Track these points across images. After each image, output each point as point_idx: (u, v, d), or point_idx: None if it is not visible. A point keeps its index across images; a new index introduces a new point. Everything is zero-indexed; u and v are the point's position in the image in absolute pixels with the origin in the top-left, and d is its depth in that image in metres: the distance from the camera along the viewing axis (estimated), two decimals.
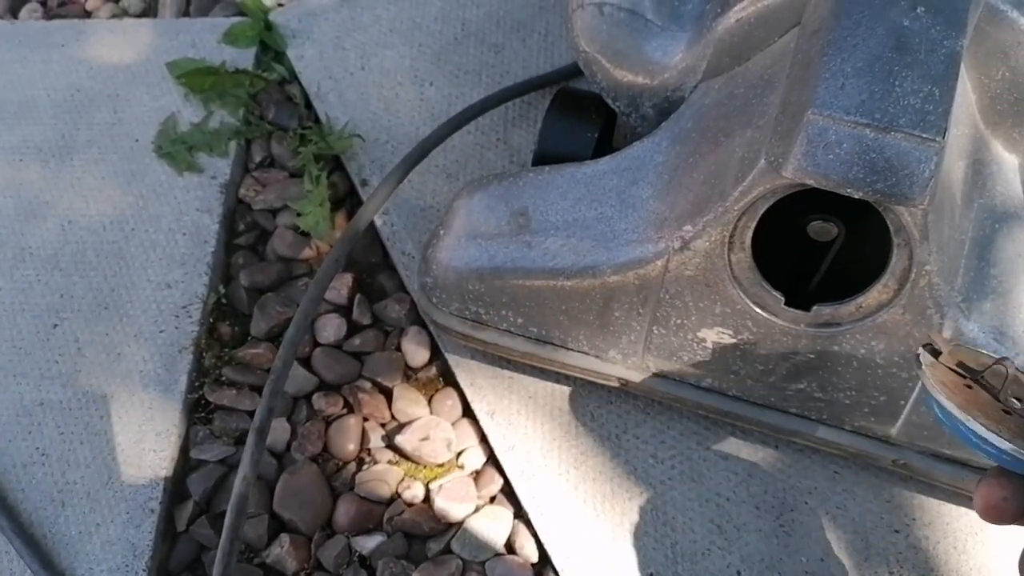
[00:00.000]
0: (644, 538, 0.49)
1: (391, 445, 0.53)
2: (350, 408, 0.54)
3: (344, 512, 0.51)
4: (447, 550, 0.50)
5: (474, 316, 0.49)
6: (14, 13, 0.71)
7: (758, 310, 0.42)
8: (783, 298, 0.42)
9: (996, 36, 0.41)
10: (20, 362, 0.54)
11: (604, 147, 0.53)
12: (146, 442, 0.52)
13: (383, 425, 0.54)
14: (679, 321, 0.45)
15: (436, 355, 0.55)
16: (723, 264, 0.41)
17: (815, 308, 0.42)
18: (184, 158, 0.61)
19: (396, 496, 0.51)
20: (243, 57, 0.65)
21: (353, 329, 0.57)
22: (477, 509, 0.51)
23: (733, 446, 0.51)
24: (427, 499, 0.51)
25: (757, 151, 0.39)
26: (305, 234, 0.59)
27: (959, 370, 0.31)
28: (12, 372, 0.54)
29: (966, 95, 0.43)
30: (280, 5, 0.68)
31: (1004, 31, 0.41)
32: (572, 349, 0.49)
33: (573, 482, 0.50)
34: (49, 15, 0.71)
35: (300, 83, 0.64)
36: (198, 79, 0.62)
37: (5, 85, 0.64)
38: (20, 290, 0.57)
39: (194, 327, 0.56)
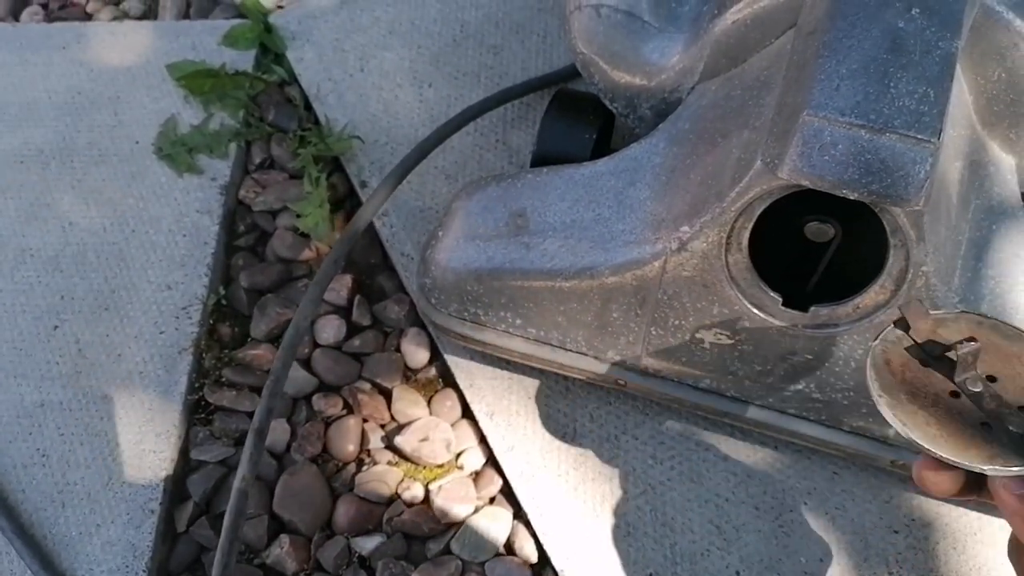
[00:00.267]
0: (643, 539, 0.49)
1: (391, 446, 0.53)
2: (350, 409, 0.54)
3: (344, 513, 0.51)
4: (447, 551, 0.50)
5: (473, 317, 0.49)
6: (15, 15, 0.72)
7: (756, 311, 0.42)
8: (781, 299, 0.42)
9: (992, 37, 0.41)
10: (21, 363, 0.55)
11: (603, 148, 0.53)
12: (146, 443, 0.52)
13: (383, 426, 0.54)
14: (677, 322, 0.45)
15: (435, 356, 0.56)
16: (720, 265, 0.42)
17: (813, 309, 0.42)
18: (184, 160, 0.61)
19: (396, 497, 0.52)
20: (243, 59, 0.65)
21: (353, 330, 0.57)
22: (476, 510, 0.51)
23: (732, 447, 0.51)
24: (427, 500, 0.51)
25: (754, 152, 0.39)
26: (305, 235, 0.60)
27: (925, 346, 0.32)
28: (13, 373, 0.54)
29: (962, 96, 0.43)
30: (280, 7, 0.68)
31: (1000, 32, 0.41)
32: (570, 350, 0.49)
33: (572, 483, 0.50)
34: (50, 17, 0.71)
35: (300, 85, 0.64)
36: (198, 81, 0.63)
37: (6, 87, 0.64)
38: (21, 291, 0.57)
39: (194, 328, 0.56)
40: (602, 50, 0.49)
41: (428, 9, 0.67)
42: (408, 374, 0.55)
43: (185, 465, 0.53)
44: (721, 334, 0.44)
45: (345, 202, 0.62)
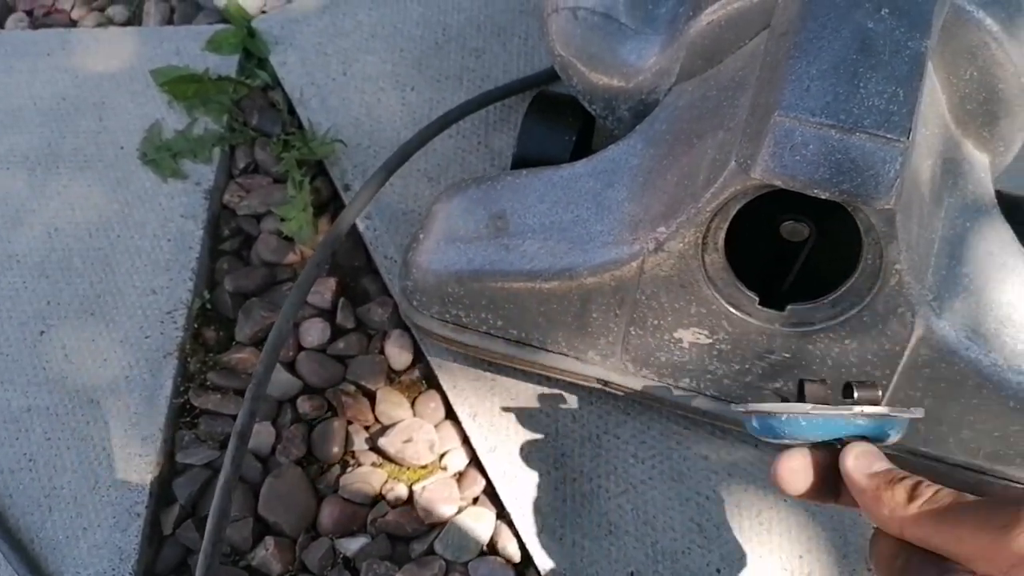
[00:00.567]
0: (625, 537, 0.49)
1: (375, 447, 0.53)
2: (334, 411, 0.55)
3: (328, 514, 0.51)
4: (430, 551, 0.50)
5: (454, 319, 0.49)
6: (0, 23, 0.72)
7: (733, 310, 0.43)
8: (757, 298, 0.42)
9: (963, 36, 0.42)
10: (7, 368, 0.55)
11: (584, 150, 0.54)
12: (132, 447, 0.52)
13: (367, 428, 0.54)
14: (656, 322, 0.45)
15: (419, 358, 0.56)
16: (697, 265, 0.42)
17: (789, 308, 0.42)
18: (168, 165, 0.61)
19: (380, 498, 0.52)
20: (226, 64, 0.65)
21: (337, 333, 0.57)
22: (460, 510, 0.51)
23: (712, 445, 0.51)
24: (410, 500, 0.52)
25: (728, 153, 0.39)
26: (289, 239, 0.60)
27: None
28: None
29: (935, 95, 0.43)
30: (263, 12, 0.69)
31: (971, 31, 0.41)
32: (551, 350, 0.49)
33: (554, 482, 0.51)
34: (35, 24, 0.72)
35: (283, 89, 0.64)
36: (182, 86, 0.63)
37: None
38: (7, 297, 0.57)
39: (179, 332, 0.56)
40: (580, 52, 0.49)
41: (410, 13, 0.67)
42: (392, 376, 0.56)
43: (171, 468, 0.53)
44: (699, 333, 0.45)
45: (329, 205, 0.62)
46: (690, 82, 0.47)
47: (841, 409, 0.31)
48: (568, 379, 0.50)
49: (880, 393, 0.32)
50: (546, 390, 0.53)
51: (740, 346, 0.44)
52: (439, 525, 0.51)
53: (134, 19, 0.71)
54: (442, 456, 0.53)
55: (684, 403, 0.49)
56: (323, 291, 0.58)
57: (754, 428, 0.33)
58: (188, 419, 0.55)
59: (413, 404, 0.55)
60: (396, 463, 0.53)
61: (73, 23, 0.72)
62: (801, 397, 0.32)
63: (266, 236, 0.60)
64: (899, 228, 0.38)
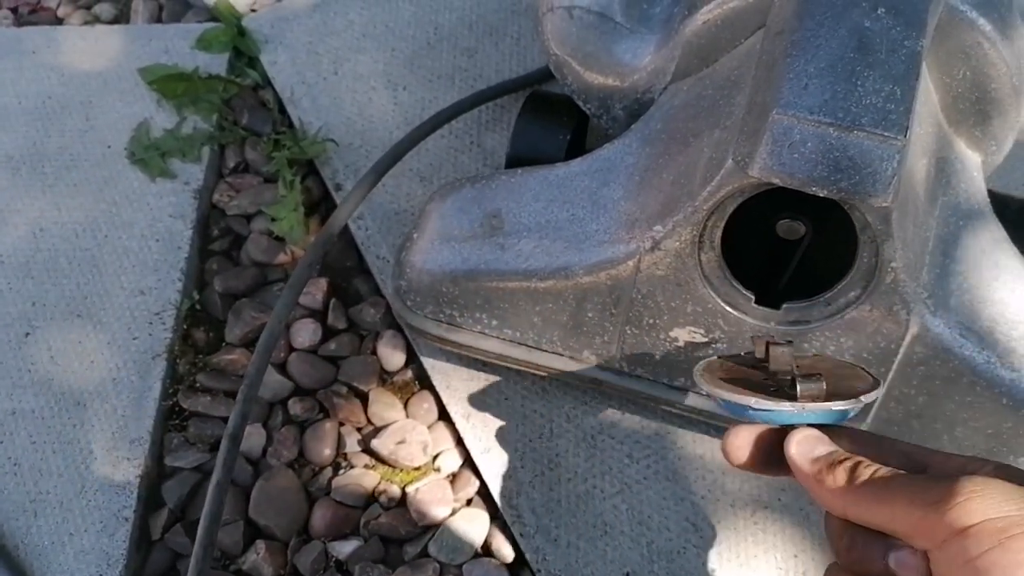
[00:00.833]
0: (620, 537, 0.49)
1: (367, 449, 0.53)
2: (326, 413, 0.54)
3: (320, 517, 0.50)
4: (424, 553, 0.50)
5: (448, 319, 0.49)
6: None
7: (729, 309, 0.43)
8: (753, 297, 0.42)
9: (957, 36, 0.42)
10: None
11: (577, 149, 0.54)
12: (120, 450, 0.51)
13: (359, 429, 0.54)
14: (651, 321, 0.45)
15: (412, 358, 0.55)
16: (693, 263, 0.42)
17: (785, 306, 0.42)
18: (157, 164, 0.60)
19: (373, 500, 0.51)
20: (216, 63, 0.65)
21: (328, 334, 0.57)
22: (454, 512, 0.51)
23: (707, 445, 0.51)
24: (403, 502, 0.51)
25: (725, 151, 0.39)
26: (280, 239, 0.59)
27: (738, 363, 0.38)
28: None
29: (929, 95, 0.44)
30: (253, 11, 0.68)
31: (964, 31, 0.42)
32: (546, 350, 0.49)
33: (549, 483, 0.50)
34: (20, 22, 0.71)
35: (273, 88, 0.64)
36: (171, 85, 0.62)
37: None
38: None
39: (168, 334, 0.55)
40: (575, 51, 0.49)
41: (402, 12, 0.66)
42: (384, 377, 0.55)
43: (159, 472, 0.52)
44: (695, 332, 0.45)
45: (320, 205, 0.61)
46: (685, 81, 0.47)
47: (783, 404, 0.33)
48: (563, 379, 0.50)
49: (824, 386, 0.33)
50: (540, 390, 0.53)
51: (736, 345, 0.44)
52: (433, 527, 0.50)
53: (121, 17, 0.71)
54: (435, 457, 0.52)
55: (679, 402, 0.49)
56: (314, 292, 0.57)
57: (720, 405, 0.36)
58: (177, 421, 0.54)
59: (406, 405, 0.54)
60: (389, 465, 0.52)
61: (59, 21, 0.71)
62: (793, 391, 0.33)
63: (256, 236, 0.59)
64: (895, 226, 0.38)
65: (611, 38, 0.49)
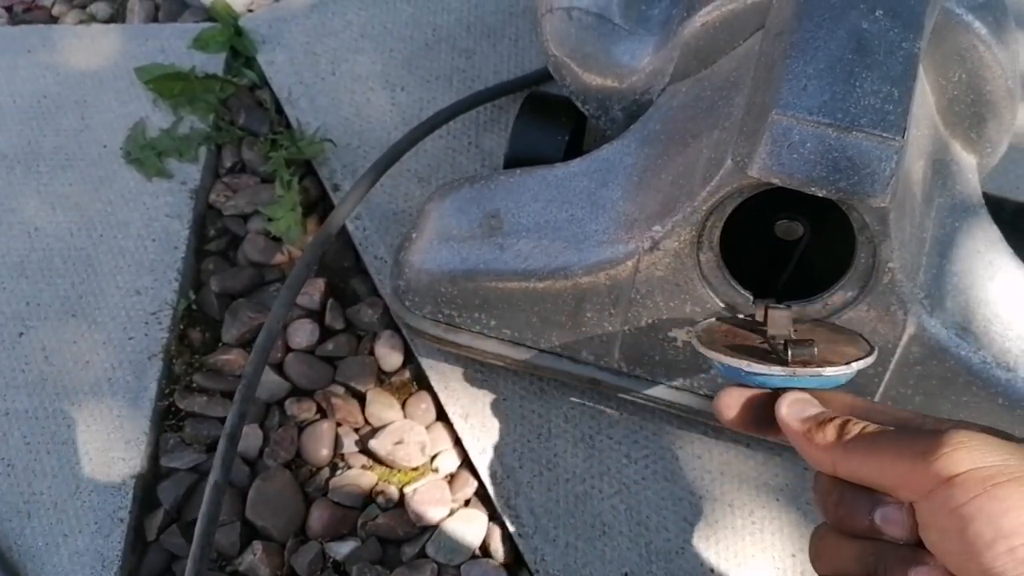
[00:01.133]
0: (618, 537, 0.49)
1: (365, 450, 0.53)
2: (323, 413, 0.54)
3: (318, 518, 0.50)
4: (422, 554, 0.50)
5: (447, 319, 0.49)
6: None
7: (727, 309, 0.43)
8: (752, 297, 0.42)
9: (952, 39, 0.42)
10: None
11: (574, 150, 0.54)
12: (115, 451, 0.51)
13: (356, 430, 0.54)
14: (650, 321, 0.45)
15: (409, 359, 0.55)
16: (692, 263, 0.42)
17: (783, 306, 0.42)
18: (153, 164, 0.60)
19: (370, 500, 0.51)
20: (213, 62, 0.64)
21: (326, 334, 0.56)
22: (452, 512, 0.51)
23: (705, 445, 0.52)
24: (401, 503, 0.51)
25: (724, 151, 0.39)
26: (277, 239, 0.59)
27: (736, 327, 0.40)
28: None
29: (925, 97, 0.44)
30: (250, 11, 0.68)
31: (960, 34, 0.42)
32: (545, 350, 0.49)
33: (547, 483, 0.50)
34: (15, 21, 0.70)
35: (271, 88, 0.64)
36: (167, 84, 0.62)
37: None
38: None
39: (164, 334, 0.55)
40: (574, 52, 0.49)
41: (400, 13, 0.67)
42: (382, 377, 0.55)
43: (155, 472, 0.52)
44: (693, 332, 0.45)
45: (317, 205, 0.61)
46: (684, 83, 0.47)
47: (775, 368, 0.34)
48: (561, 379, 0.50)
49: (816, 352, 0.34)
50: (539, 390, 0.53)
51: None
52: (431, 528, 0.50)
53: (117, 16, 0.70)
54: (433, 458, 0.52)
55: (678, 403, 0.49)
56: (311, 292, 0.57)
57: (715, 368, 0.37)
58: (173, 422, 0.54)
59: (404, 405, 0.54)
60: (387, 465, 0.52)
61: (54, 20, 0.70)
62: (786, 355, 0.35)
63: (253, 236, 0.59)
64: (892, 227, 0.38)
65: (610, 39, 0.49)
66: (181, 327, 0.56)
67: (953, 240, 0.44)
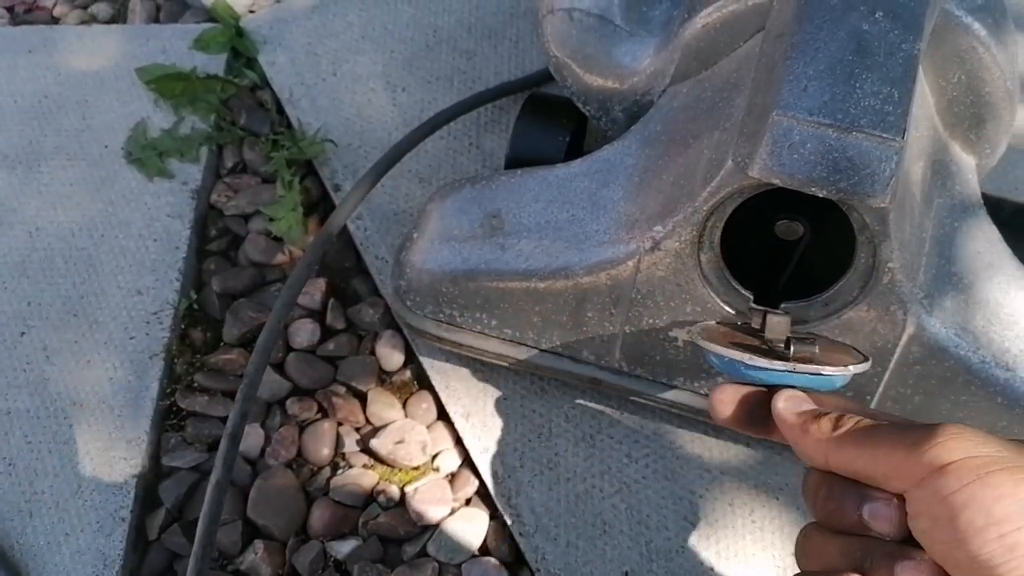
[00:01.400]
0: (619, 536, 0.49)
1: (366, 449, 0.53)
2: (324, 413, 0.54)
3: (319, 517, 0.50)
4: (423, 553, 0.50)
5: (448, 319, 0.49)
6: None
7: (728, 309, 0.43)
8: (752, 297, 0.42)
9: (952, 41, 0.43)
10: None
11: (575, 151, 0.54)
12: (116, 450, 0.51)
13: (358, 429, 0.54)
14: (651, 321, 0.45)
15: (410, 358, 0.55)
16: (693, 264, 0.42)
17: (783, 306, 0.42)
18: (154, 164, 0.60)
19: (371, 500, 0.51)
20: (214, 63, 0.65)
21: (327, 334, 0.57)
22: (453, 511, 0.51)
23: (705, 444, 0.52)
24: (402, 502, 0.51)
25: (724, 152, 0.39)
26: (278, 239, 0.59)
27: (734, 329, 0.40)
28: None
29: (925, 98, 0.44)
30: (251, 12, 0.68)
31: (959, 36, 0.42)
32: (546, 350, 0.49)
33: (548, 482, 0.51)
34: (16, 21, 0.70)
35: (272, 89, 0.64)
36: (169, 85, 0.62)
37: None
38: None
39: (165, 333, 0.55)
40: (575, 53, 0.50)
41: (400, 14, 0.67)
42: (383, 377, 0.55)
43: (156, 472, 0.52)
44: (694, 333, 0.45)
45: (318, 206, 0.61)
46: (684, 84, 0.47)
47: (775, 363, 0.34)
48: (562, 379, 0.50)
49: (816, 349, 0.35)
50: (539, 390, 0.53)
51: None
52: (432, 527, 0.50)
53: (118, 17, 0.71)
54: (434, 457, 0.52)
55: (678, 402, 0.49)
56: (312, 292, 0.57)
57: (715, 364, 0.37)
58: (174, 421, 0.54)
59: (405, 405, 0.54)
60: (388, 465, 0.52)
61: (55, 20, 0.71)
62: (786, 352, 0.35)
63: (254, 236, 0.59)
64: (892, 227, 0.38)
65: (611, 41, 0.49)
66: (182, 327, 0.56)
67: (952, 240, 0.44)
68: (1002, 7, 0.45)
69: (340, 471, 0.52)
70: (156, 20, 0.70)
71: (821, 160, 0.37)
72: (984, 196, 0.47)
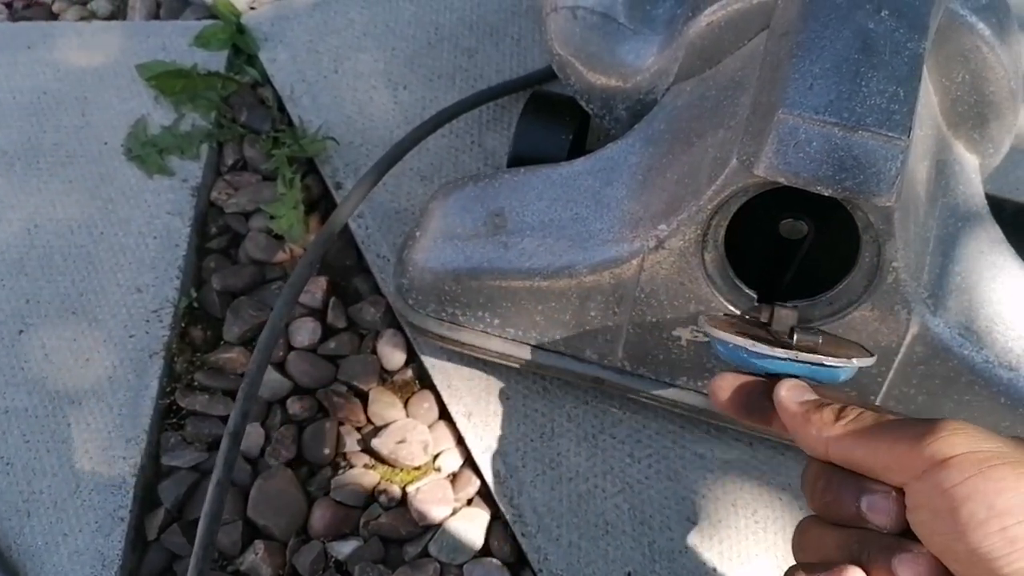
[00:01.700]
0: (622, 537, 0.49)
1: (367, 449, 0.53)
2: (325, 412, 0.54)
3: (320, 517, 0.50)
4: (424, 553, 0.49)
5: (451, 317, 0.49)
6: None
7: (732, 308, 0.43)
8: (756, 296, 0.42)
9: (956, 40, 0.43)
10: None
11: (578, 149, 0.54)
12: (115, 449, 0.51)
13: (359, 429, 0.53)
14: (654, 320, 0.45)
15: (412, 357, 0.55)
16: (697, 262, 0.42)
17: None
18: (154, 161, 0.60)
19: (372, 500, 0.51)
20: (215, 60, 0.64)
21: (328, 332, 0.56)
22: (454, 511, 0.51)
23: (708, 444, 0.52)
24: (404, 502, 0.51)
25: (729, 151, 0.39)
26: (278, 237, 0.59)
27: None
28: None
29: (929, 97, 0.44)
30: (252, 8, 0.68)
31: (964, 36, 0.42)
32: (548, 349, 0.49)
33: (550, 482, 0.50)
34: (14, 17, 0.70)
35: (273, 86, 0.64)
36: (169, 81, 0.62)
37: None
38: None
39: (165, 332, 0.55)
40: (578, 51, 0.49)
41: (402, 12, 0.67)
42: (384, 376, 0.55)
43: (156, 471, 0.52)
44: (698, 331, 0.45)
45: (319, 204, 0.61)
46: (688, 82, 0.47)
47: (777, 351, 0.34)
48: (564, 378, 0.50)
49: (820, 340, 0.35)
50: (542, 389, 0.53)
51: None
52: (433, 527, 0.50)
53: (118, 13, 0.70)
54: (436, 457, 0.52)
55: (681, 402, 0.49)
56: (313, 290, 0.57)
57: (719, 352, 0.37)
58: (174, 420, 0.53)
59: (406, 404, 0.54)
60: (389, 464, 0.52)
61: (54, 16, 0.70)
62: (791, 338, 0.35)
63: (255, 234, 0.59)
64: (897, 226, 0.38)
65: (614, 39, 0.49)
66: (182, 325, 0.56)
67: (956, 240, 0.44)
68: (1006, 7, 0.45)
69: (341, 471, 0.52)
70: (156, 16, 0.70)
71: (827, 159, 0.37)
72: (986, 196, 0.47)
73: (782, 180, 0.37)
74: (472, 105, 0.60)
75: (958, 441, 0.27)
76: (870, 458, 0.29)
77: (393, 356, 0.55)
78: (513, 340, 0.49)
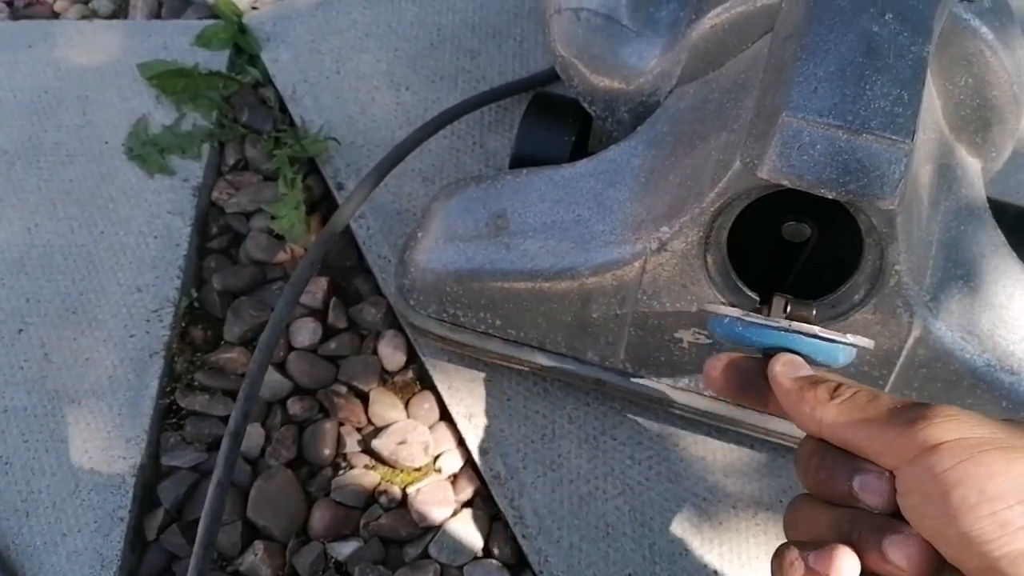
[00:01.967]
0: (622, 539, 0.49)
1: (367, 449, 0.52)
2: (325, 413, 0.54)
3: (319, 518, 0.50)
4: (425, 554, 0.49)
5: (452, 318, 0.49)
6: None
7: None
8: (758, 298, 0.42)
9: (959, 44, 0.43)
10: None
11: (580, 151, 0.54)
12: (115, 449, 0.51)
13: (359, 429, 0.53)
14: (656, 322, 0.45)
15: (413, 358, 0.55)
16: (699, 265, 0.42)
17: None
18: (155, 160, 0.60)
19: (373, 501, 0.51)
20: (216, 60, 0.64)
21: (328, 333, 0.56)
22: (455, 513, 0.50)
23: (709, 446, 0.52)
24: (404, 503, 0.51)
25: (732, 153, 0.39)
26: (279, 237, 0.59)
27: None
28: None
29: (932, 101, 0.44)
30: (254, 8, 0.68)
31: (967, 40, 0.42)
32: (550, 351, 0.49)
33: (550, 484, 0.50)
34: (16, 16, 0.70)
35: (274, 86, 0.64)
36: (170, 81, 0.62)
37: None
38: None
39: (165, 331, 0.55)
40: (581, 53, 0.49)
41: (405, 13, 0.67)
42: (385, 377, 0.55)
43: (155, 471, 0.52)
44: (700, 333, 0.45)
45: (321, 204, 0.61)
46: (691, 85, 0.47)
47: (770, 320, 0.34)
48: (566, 380, 0.50)
49: (814, 312, 0.35)
50: (543, 391, 0.53)
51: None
52: (433, 528, 0.50)
53: (119, 12, 0.70)
54: (436, 458, 0.52)
55: (682, 404, 0.49)
56: (314, 291, 0.57)
57: (715, 332, 0.37)
58: (174, 420, 0.53)
59: (407, 405, 0.54)
60: (389, 465, 0.52)
61: (55, 15, 0.70)
62: (784, 311, 0.36)
63: (256, 234, 0.59)
64: (900, 229, 0.38)
65: (617, 41, 0.49)
66: (183, 325, 0.56)
67: (958, 244, 0.44)
68: (1009, 11, 0.45)
69: (341, 471, 0.52)
70: (158, 16, 0.70)
71: (831, 162, 0.37)
72: (988, 200, 0.47)
73: (786, 183, 0.37)
74: (474, 106, 0.60)
75: (950, 427, 0.27)
76: (862, 441, 0.29)
77: (394, 357, 0.55)
78: (514, 342, 0.49)
